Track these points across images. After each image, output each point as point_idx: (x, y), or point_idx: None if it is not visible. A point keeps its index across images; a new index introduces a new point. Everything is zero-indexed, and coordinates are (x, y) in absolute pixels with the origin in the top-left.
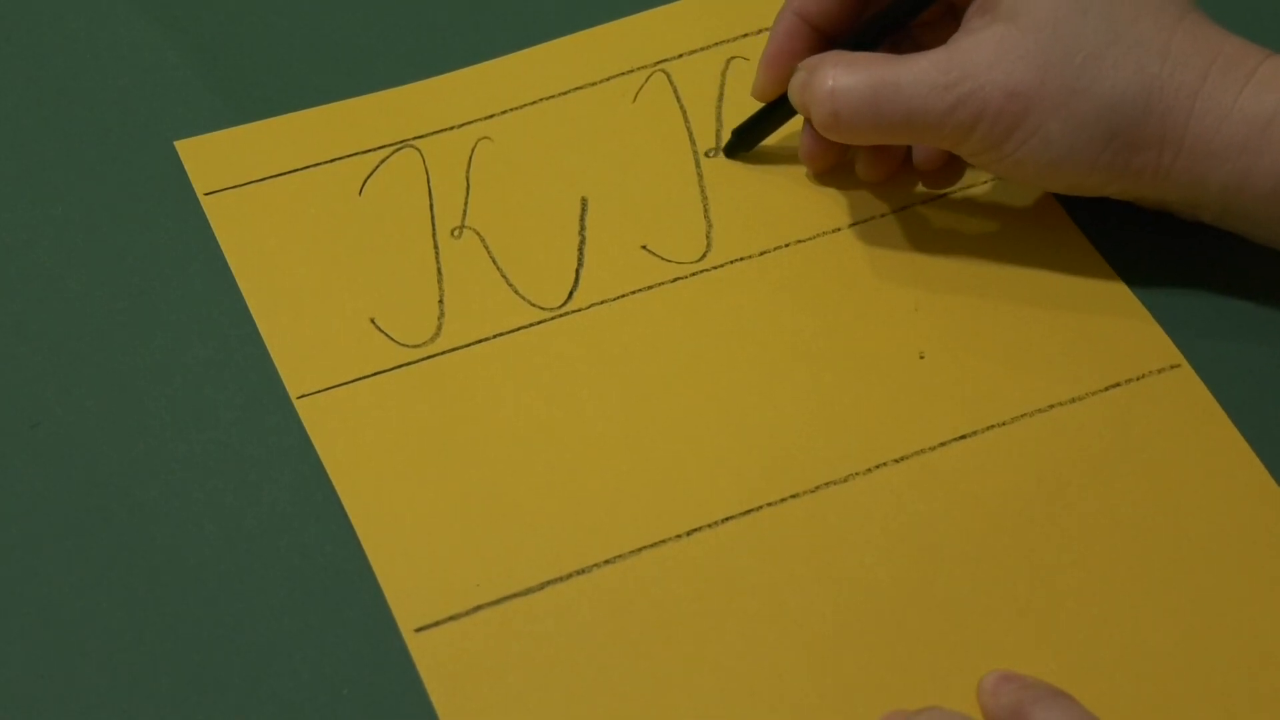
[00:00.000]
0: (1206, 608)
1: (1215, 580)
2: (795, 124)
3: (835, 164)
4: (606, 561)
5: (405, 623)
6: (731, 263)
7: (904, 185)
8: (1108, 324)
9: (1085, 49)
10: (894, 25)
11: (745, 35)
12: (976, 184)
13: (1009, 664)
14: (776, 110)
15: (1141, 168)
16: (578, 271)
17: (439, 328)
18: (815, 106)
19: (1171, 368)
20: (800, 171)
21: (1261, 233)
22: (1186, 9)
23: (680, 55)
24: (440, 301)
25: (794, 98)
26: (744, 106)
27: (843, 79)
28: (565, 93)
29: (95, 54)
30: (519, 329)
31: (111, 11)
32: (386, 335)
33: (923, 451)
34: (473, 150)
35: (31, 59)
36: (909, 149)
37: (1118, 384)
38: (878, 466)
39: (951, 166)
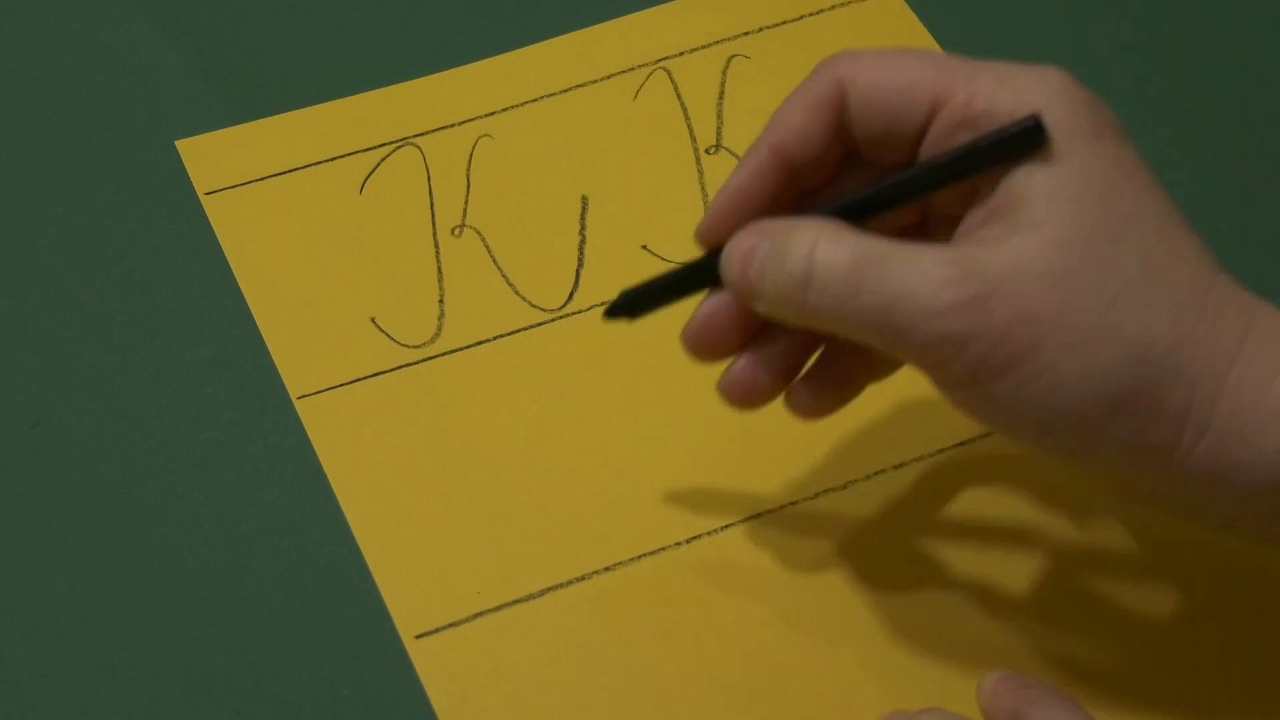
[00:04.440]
0: (1207, 610)
1: (1216, 581)
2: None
3: (720, 358)
4: (607, 568)
5: (406, 629)
6: None
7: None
8: None
9: (1117, 283)
10: (891, 203)
11: (746, 34)
12: None
13: (1009, 665)
14: (691, 274)
15: (1156, 446)
16: (578, 272)
17: (439, 328)
18: (784, 264)
19: None
20: None
21: None
22: (1219, 266)
23: (681, 53)
24: (441, 301)
25: (732, 264)
26: (745, 106)
27: (825, 243)
28: (566, 90)
29: (95, 54)
30: (519, 331)
31: (111, 11)
32: (387, 335)
33: (922, 458)
34: (473, 148)
35: (31, 59)
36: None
37: None
38: (877, 473)
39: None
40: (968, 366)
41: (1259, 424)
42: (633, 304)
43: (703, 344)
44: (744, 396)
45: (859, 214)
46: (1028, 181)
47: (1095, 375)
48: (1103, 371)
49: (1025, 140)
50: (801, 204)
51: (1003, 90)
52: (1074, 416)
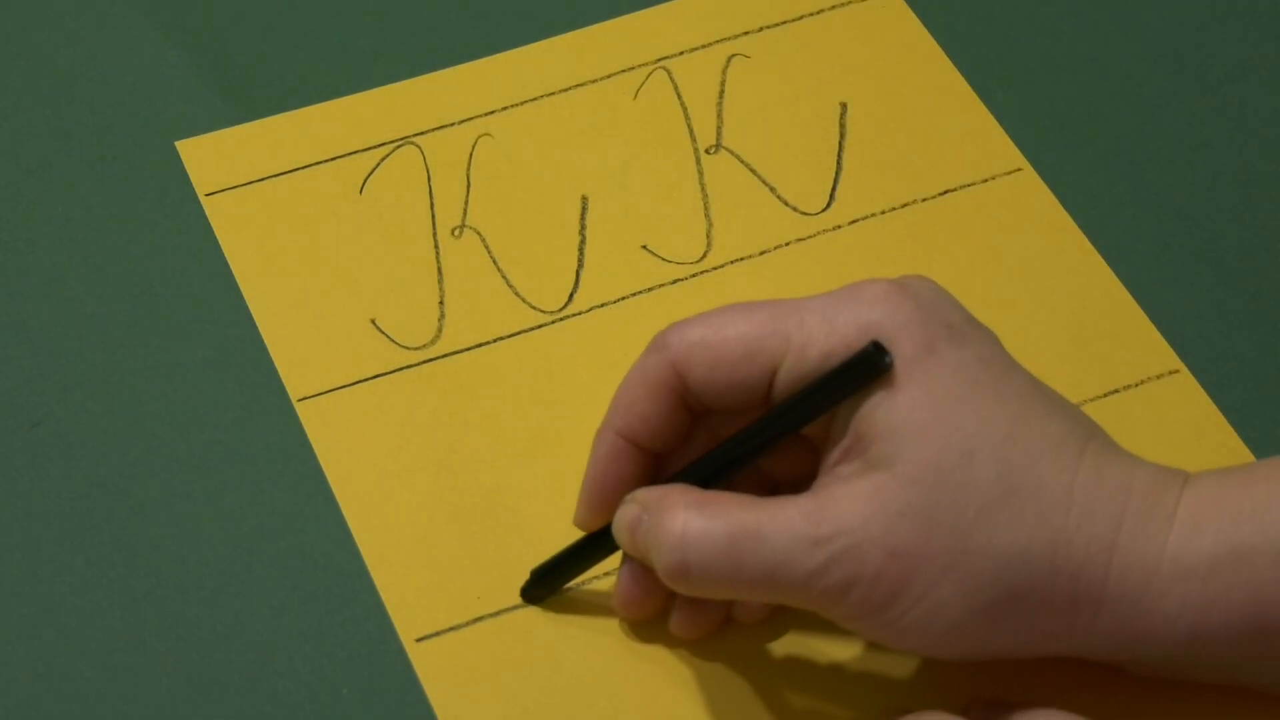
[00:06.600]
0: None
1: None
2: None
3: (656, 613)
4: (606, 573)
5: (406, 633)
6: (732, 263)
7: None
8: (1107, 330)
9: (977, 501)
10: (743, 460)
11: (746, 33)
12: (970, 184)
13: (1008, 666)
14: (592, 546)
15: (1054, 631)
16: (578, 272)
17: (439, 330)
18: (661, 552)
19: (1170, 374)
20: (796, 171)
21: (1213, 676)
22: (1087, 438)
23: (681, 52)
24: (441, 303)
25: (622, 536)
26: (745, 106)
27: (695, 522)
28: (566, 89)
29: (95, 54)
30: (520, 332)
31: (111, 11)
32: (387, 336)
33: None
34: (473, 147)
35: (32, 59)
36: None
37: (1116, 390)
38: None
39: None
40: (853, 608)
41: (1153, 599)
42: (543, 582)
43: (635, 607)
44: (694, 633)
45: (724, 472)
46: (872, 418)
47: (972, 592)
48: (979, 587)
49: (870, 366)
50: (666, 462)
51: (834, 332)
52: (963, 628)
